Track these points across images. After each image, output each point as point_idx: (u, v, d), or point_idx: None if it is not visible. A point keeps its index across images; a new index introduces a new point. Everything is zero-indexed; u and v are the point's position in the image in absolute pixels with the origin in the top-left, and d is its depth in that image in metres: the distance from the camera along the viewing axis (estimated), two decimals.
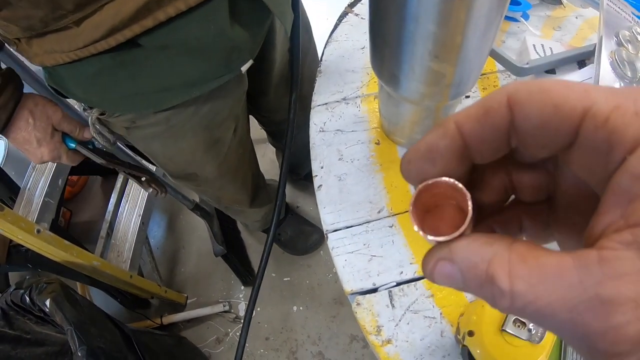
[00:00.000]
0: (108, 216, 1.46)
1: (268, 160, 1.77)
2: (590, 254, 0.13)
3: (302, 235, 1.58)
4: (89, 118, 0.72)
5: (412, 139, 0.62)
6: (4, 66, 0.68)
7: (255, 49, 0.74)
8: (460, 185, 0.17)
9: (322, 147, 0.65)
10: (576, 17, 0.82)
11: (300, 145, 0.83)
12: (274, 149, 1.53)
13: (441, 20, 0.37)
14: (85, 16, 0.55)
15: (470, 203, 0.17)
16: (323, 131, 0.66)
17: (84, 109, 0.72)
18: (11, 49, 0.64)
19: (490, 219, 0.21)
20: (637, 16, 0.66)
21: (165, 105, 0.70)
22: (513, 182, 0.20)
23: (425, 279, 0.53)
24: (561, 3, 0.84)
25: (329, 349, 1.45)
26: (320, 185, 0.61)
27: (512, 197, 0.21)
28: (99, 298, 1.40)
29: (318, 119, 0.68)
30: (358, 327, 0.52)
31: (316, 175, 0.62)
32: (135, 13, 0.55)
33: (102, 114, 0.72)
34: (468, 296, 0.52)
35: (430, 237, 0.17)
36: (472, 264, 0.15)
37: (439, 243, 0.17)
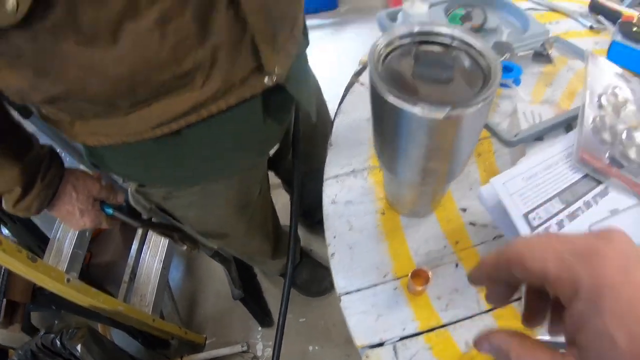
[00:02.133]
0: (130, 261, 1.52)
1: (281, 206, 1.82)
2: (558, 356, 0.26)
3: (316, 279, 1.61)
4: (128, 188, 0.79)
5: (412, 211, 0.69)
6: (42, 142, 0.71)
7: (282, 134, 0.81)
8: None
9: (334, 219, 0.72)
10: (567, 71, 0.88)
11: (314, 192, 0.88)
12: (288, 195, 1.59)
13: (431, 136, 0.43)
14: (134, 111, 0.58)
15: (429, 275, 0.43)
16: (335, 203, 0.73)
17: (124, 180, 0.79)
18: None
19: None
20: (620, 75, 0.69)
21: (199, 182, 0.77)
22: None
23: (424, 334, 0.60)
24: (551, 62, 0.90)
25: None
26: (334, 254, 0.68)
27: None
28: (119, 337, 1.43)
29: (330, 192, 0.75)
30: None
31: (329, 244, 0.69)
32: (182, 113, 0.59)
33: (141, 185, 0.78)
34: (462, 348, 0.58)
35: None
36: (499, 346, 0.29)
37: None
